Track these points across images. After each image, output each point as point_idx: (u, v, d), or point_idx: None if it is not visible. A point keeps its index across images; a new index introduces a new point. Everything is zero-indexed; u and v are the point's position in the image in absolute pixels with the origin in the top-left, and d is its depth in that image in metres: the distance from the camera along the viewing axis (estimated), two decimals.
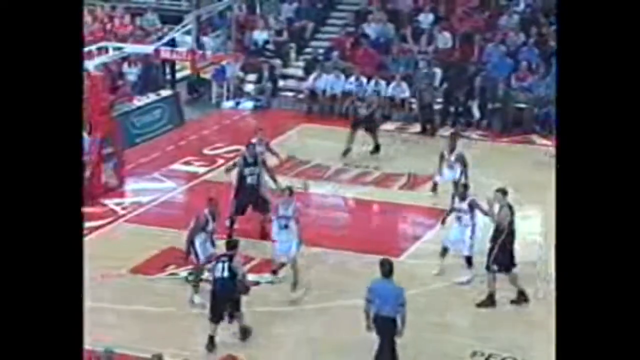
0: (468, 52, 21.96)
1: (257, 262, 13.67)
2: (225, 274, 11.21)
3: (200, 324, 11.68)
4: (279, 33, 23.91)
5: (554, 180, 6.11)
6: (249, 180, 14.37)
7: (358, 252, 14.07)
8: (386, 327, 10.38)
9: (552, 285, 11.64)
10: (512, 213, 12.21)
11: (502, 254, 12.11)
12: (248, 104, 22.16)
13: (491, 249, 12.18)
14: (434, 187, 16.09)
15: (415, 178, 17.18)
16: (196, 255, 12.42)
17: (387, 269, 10.51)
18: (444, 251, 13.22)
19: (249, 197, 14.37)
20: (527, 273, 13.09)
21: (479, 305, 12.30)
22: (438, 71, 21.12)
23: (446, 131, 20.43)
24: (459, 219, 13.04)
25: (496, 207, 12.30)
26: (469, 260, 13.00)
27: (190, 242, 12.38)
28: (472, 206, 12.86)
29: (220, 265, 11.33)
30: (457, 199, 13.12)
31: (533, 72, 20.86)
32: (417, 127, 20.42)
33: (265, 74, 22.57)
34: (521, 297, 12.36)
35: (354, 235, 14.98)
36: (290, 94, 22.70)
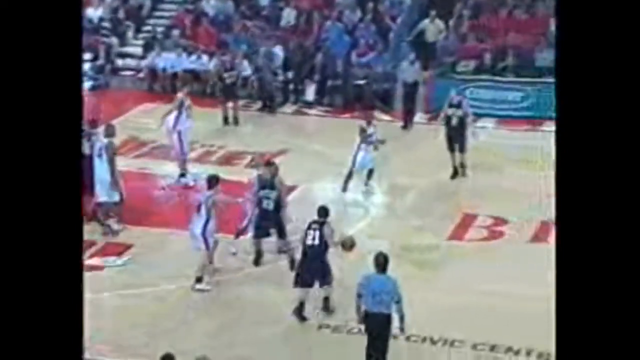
0: (308, 30, 22.18)
1: (101, 245, 13.51)
2: (316, 241, 11.28)
3: None
4: (114, 11, 23.34)
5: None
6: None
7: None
8: (379, 325, 9.77)
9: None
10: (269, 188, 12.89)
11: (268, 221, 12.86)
12: (86, 84, 21.54)
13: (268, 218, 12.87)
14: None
15: (260, 156, 17.21)
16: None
17: (381, 263, 9.90)
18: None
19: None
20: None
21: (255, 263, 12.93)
22: (280, 49, 21.25)
23: (289, 108, 20.73)
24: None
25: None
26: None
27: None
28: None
29: (311, 232, 11.34)
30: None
31: (371, 48, 21.31)
32: (259, 105, 20.54)
33: (102, 53, 22.02)
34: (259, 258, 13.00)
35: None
36: (129, 73, 22.26)
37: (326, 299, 11.51)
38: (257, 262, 13.02)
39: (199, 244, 12.34)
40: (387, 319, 9.76)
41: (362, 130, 15.45)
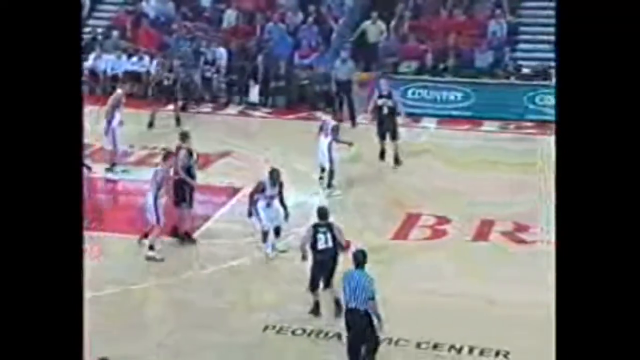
0: (251, 31, 22.19)
1: None
2: (329, 244, 11.07)
3: None
4: None
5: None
6: None
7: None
8: (356, 321, 9.77)
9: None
10: (190, 157, 13.61)
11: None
12: None
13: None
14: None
15: (204, 157, 17.15)
16: (259, 217, 13.07)
17: (359, 260, 9.95)
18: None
19: None
20: None
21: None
22: (223, 50, 21.26)
23: (233, 109, 20.73)
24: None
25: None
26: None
27: (252, 203, 13.03)
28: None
29: (321, 236, 11.14)
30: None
31: (314, 49, 21.39)
32: (202, 107, 20.52)
33: None
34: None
35: (142, 217, 14.70)
36: None
37: (337, 301, 11.17)
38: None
39: (151, 216, 13.07)
40: (365, 315, 9.77)
41: (335, 129, 15.74)
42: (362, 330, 9.81)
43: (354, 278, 9.85)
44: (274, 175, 13.19)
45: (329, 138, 15.59)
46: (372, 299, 9.77)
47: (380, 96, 16.96)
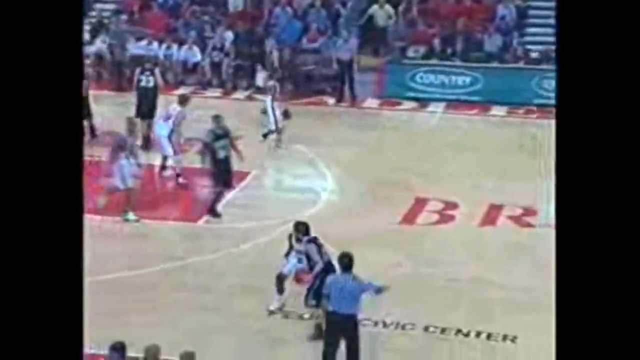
0: (258, 15, 22.12)
1: None
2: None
3: None
4: None
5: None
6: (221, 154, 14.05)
7: (157, 219, 13.94)
8: (346, 326, 9.57)
9: None
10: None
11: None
12: None
13: None
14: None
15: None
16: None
17: (346, 263, 9.62)
18: None
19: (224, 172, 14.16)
20: None
21: None
22: (230, 34, 21.20)
23: (240, 94, 20.70)
24: None
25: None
26: None
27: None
28: None
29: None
30: None
31: (322, 33, 21.31)
32: (211, 92, 20.48)
33: None
34: None
35: (150, 201, 14.65)
36: None
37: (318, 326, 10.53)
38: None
39: (166, 148, 15.20)
40: (352, 318, 9.62)
41: (274, 88, 17.15)
42: (350, 333, 9.62)
43: (341, 282, 9.64)
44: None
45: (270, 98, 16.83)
46: (379, 291, 9.74)
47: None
